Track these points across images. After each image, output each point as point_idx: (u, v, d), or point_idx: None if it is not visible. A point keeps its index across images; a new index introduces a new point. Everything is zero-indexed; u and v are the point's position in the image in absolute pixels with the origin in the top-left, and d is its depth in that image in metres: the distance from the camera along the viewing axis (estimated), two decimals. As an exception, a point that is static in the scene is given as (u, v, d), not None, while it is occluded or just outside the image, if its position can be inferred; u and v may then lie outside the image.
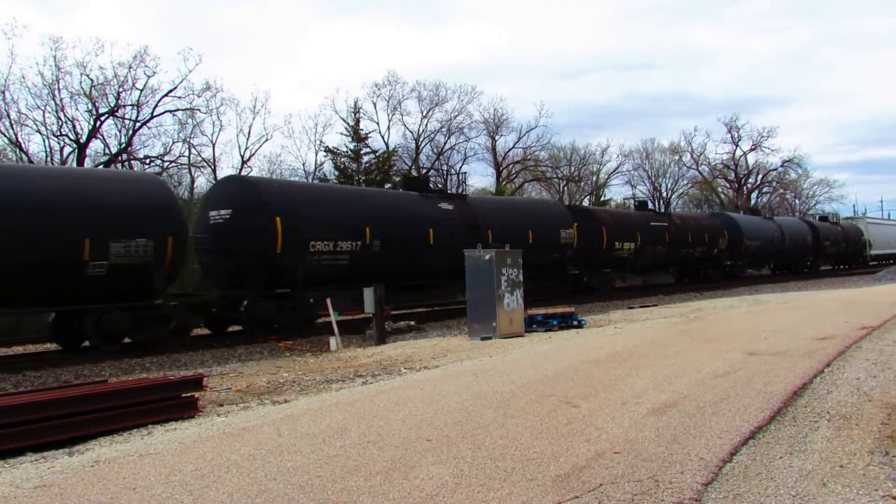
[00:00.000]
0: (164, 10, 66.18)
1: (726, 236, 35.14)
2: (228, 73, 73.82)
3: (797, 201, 72.71)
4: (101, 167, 29.90)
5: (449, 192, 23.49)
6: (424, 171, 47.32)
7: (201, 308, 16.76)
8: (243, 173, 36.13)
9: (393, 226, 19.30)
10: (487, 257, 14.63)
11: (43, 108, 31.59)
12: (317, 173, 41.03)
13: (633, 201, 36.35)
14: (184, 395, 8.08)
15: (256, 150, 39.55)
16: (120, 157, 33.28)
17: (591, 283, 27.55)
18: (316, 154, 42.18)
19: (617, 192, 69.32)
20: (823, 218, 50.37)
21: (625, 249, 28.46)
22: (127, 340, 14.81)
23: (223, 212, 17.17)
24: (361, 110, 41.77)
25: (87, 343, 14.92)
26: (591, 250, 26.81)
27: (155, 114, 33.81)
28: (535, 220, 24.62)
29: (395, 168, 42.07)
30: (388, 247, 18.87)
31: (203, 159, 38.63)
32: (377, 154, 40.45)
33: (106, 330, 14.26)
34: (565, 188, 55.16)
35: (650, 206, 35.11)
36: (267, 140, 50.75)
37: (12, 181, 13.56)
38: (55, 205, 13.51)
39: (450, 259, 19.10)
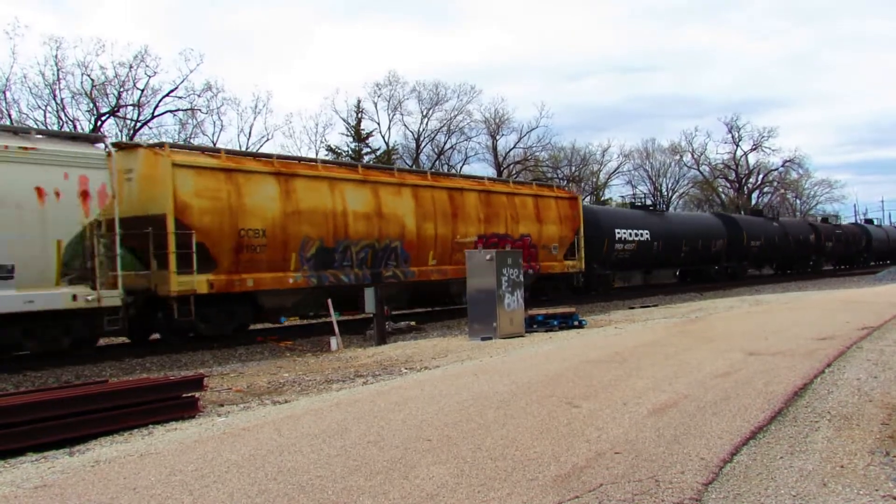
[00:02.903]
0: (171, 12, 66.26)
1: (866, 239, 53.55)
2: (230, 73, 73.93)
3: (798, 201, 72.66)
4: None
5: (769, 216, 43.79)
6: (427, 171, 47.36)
7: None
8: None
9: (765, 236, 39.63)
10: (488, 257, 14.53)
11: (44, 107, 31.68)
12: None
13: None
14: (184, 395, 8.07)
15: (257, 150, 39.38)
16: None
17: (816, 267, 47.10)
18: (317, 153, 42.14)
19: (617, 193, 69.16)
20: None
21: (827, 247, 47.63)
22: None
23: None
24: (363, 111, 41.86)
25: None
26: (817, 248, 46.14)
27: (156, 114, 33.88)
28: (799, 229, 44.87)
29: (395, 168, 42.02)
30: (764, 245, 39.13)
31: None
32: (377, 153, 40.51)
33: None
34: (566, 188, 55.09)
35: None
36: (268, 140, 50.84)
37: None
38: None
39: (783, 251, 41.87)
